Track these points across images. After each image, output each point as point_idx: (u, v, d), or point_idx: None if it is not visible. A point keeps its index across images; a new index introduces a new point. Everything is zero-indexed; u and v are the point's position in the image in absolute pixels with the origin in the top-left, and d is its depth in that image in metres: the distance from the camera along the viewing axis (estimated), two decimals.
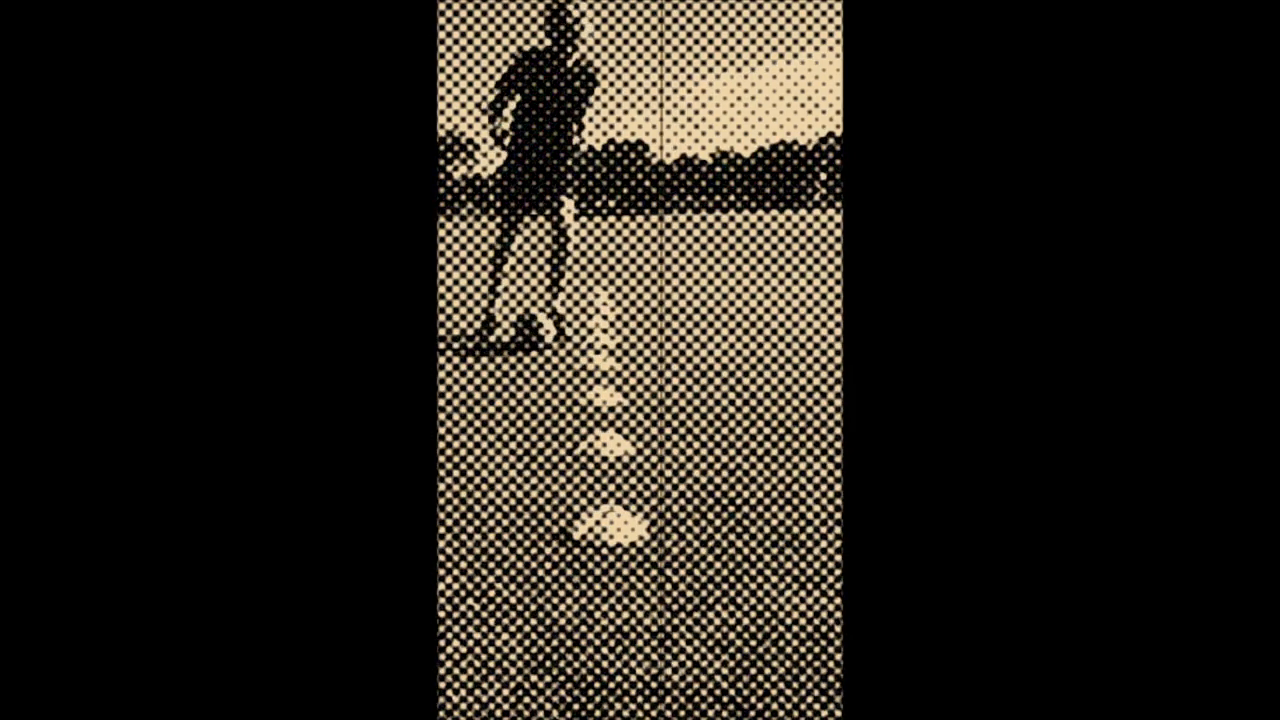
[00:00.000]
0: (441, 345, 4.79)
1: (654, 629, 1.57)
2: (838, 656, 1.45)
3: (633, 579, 1.77)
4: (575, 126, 4.92)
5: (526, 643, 1.53)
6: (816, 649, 1.48)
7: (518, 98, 4.87)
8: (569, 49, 4.82)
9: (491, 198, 4.82)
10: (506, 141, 4.87)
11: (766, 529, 2.03)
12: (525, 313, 4.75)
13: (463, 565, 1.87)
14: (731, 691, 1.36)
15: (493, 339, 4.88)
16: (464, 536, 2.03)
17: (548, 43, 4.87)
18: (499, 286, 4.97)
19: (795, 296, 6.98)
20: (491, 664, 1.46)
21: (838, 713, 1.30)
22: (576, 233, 5.09)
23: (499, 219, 4.95)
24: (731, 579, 1.76)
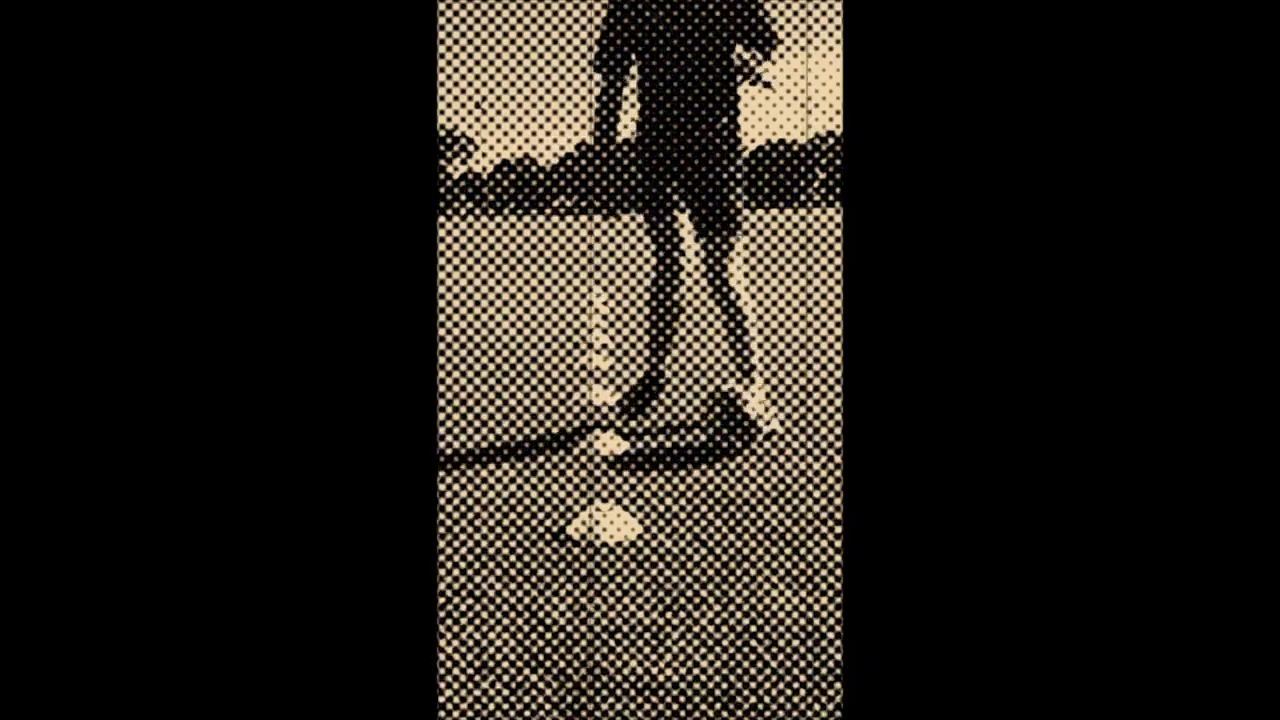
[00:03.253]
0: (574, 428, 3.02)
1: (649, 627, 1.57)
2: (836, 655, 1.45)
3: (630, 578, 1.78)
4: (736, 103, 2.94)
5: (523, 640, 1.53)
6: (813, 648, 1.48)
7: (635, 72, 2.95)
8: None
9: (639, 213, 3.03)
10: (632, 139, 3.02)
11: (766, 529, 2.03)
12: (723, 390, 2.76)
13: (460, 564, 1.87)
14: (725, 689, 1.37)
15: (658, 412, 3.22)
16: (461, 535, 2.03)
17: None
18: (670, 339, 3.03)
19: (794, 294, 6.98)
20: (490, 662, 1.46)
21: (837, 712, 1.30)
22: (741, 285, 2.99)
23: (655, 245, 3.02)
24: (730, 579, 1.76)
